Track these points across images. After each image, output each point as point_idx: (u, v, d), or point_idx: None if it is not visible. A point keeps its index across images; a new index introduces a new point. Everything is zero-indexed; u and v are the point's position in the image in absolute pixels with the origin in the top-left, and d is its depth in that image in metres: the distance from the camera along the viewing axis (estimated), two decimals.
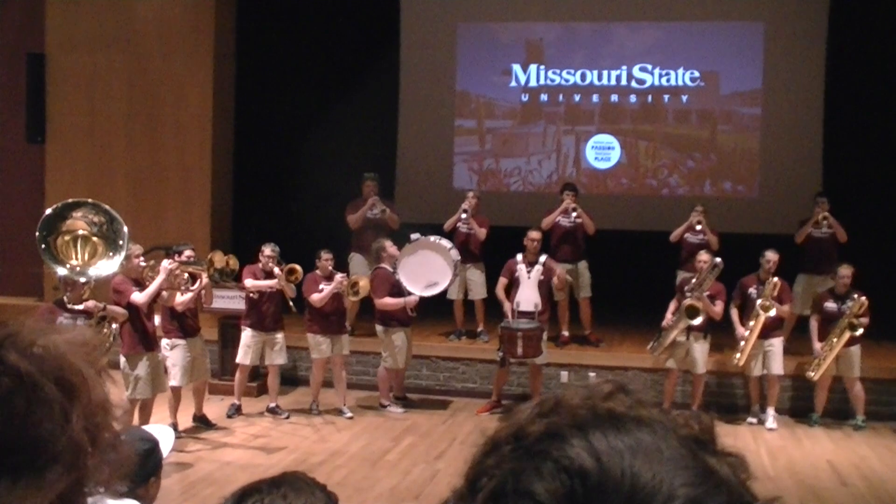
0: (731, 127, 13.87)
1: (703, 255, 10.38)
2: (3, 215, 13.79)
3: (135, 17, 12.81)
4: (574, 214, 11.57)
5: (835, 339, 10.06)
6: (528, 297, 10.65)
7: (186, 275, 9.35)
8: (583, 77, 14.09)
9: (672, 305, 10.50)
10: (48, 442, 0.98)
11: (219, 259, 9.40)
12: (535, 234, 10.84)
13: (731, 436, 9.69)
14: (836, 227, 11.25)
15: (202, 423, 9.91)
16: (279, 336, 10.33)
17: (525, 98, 14.30)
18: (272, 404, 10.46)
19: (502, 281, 10.90)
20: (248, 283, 10.12)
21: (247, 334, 10.20)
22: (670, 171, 14.11)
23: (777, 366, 10.31)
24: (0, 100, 13.71)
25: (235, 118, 13.39)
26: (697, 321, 10.09)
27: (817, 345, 10.20)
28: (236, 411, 10.32)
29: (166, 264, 8.98)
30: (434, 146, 14.36)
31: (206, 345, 10.05)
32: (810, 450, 9.71)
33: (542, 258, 10.78)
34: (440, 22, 14.32)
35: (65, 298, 8.16)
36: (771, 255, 10.34)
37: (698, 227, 11.33)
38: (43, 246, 7.41)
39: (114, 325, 8.38)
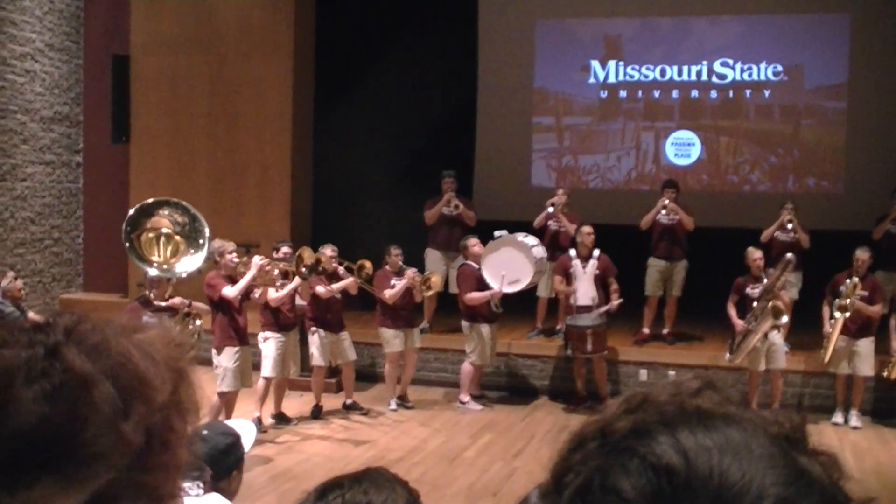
0: (816, 121, 13.60)
1: (756, 253, 10.22)
2: (89, 214, 14.13)
3: (216, 18, 13.01)
4: (664, 212, 11.47)
5: None
6: (585, 291, 10.68)
7: (277, 271, 9.48)
8: (662, 73, 13.94)
9: (732, 310, 10.26)
10: (92, 441, 0.98)
11: (308, 255, 9.48)
12: (587, 229, 10.86)
13: (815, 435, 9.46)
14: None
15: (280, 419, 10.01)
16: (345, 335, 10.40)
17: (604, 94, 14.19)
18: (349, 401, 10.54)
19: (557, 279, 10.90)
20: (320, 289, 10.06)
21: (316, 338, 10.25)
22: (752, 167, 13.89)
23: (865, 367, 10.07)
24: (86, 100, 14.04)
25: (315, 116, 13.52)
26: (784, 320, 9.92)
27: None
28: (320, 412, 10.38)
29: (257, 260, 9.13)
30: (512, 143, 14.32)
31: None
32: None
33: (596, 252, 10.74)
34: (518, 19, 14.27)
35: (151, 296, 8.31)
36: (860, 254, 10.10)
37: (789, 226, 11.09)
38: (127, 244, 7.57)
39: (198, 322, 8.52)
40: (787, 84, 13.56)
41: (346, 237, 10.53)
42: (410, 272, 10.44)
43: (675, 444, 0.81)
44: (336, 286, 10.05)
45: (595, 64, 14.14)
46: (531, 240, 10.91)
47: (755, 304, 10.04)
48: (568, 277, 10.82)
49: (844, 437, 9.80)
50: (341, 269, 10.20)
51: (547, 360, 11.40)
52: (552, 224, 11.73)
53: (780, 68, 13.54)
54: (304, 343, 10.98)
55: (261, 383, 9.65)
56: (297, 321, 10.02)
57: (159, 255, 7.67)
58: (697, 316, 12.03)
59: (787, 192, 13.09)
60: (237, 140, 13.07)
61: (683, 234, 11.60)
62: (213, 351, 9.05)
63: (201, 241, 7.76)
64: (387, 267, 10.51)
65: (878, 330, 10.47)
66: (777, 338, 10.13)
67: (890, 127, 13.07)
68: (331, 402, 10.63)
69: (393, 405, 10.61)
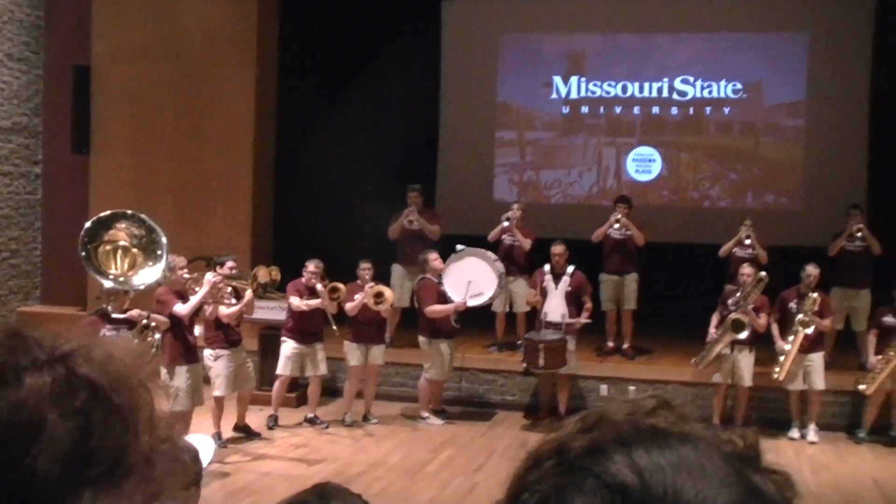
0: (775, 138, 13.75)
1: (747, 269, 10.32)
2: (48, 225, 13.98)
3: (179, 28, 12.93)
4: (617, 226, 11.55)
5: (892, 353, 9.91)
6: (555, 307, 10.65)
7: (230, 288, 9.40)
8: (624, 89, 14.04)
9: (714, 319, 10.43)
10: (123, 454, 1.00)
11: (262, 274, 9.46)
12: (557, 249, 10.85)
13: (773, 451, 9.51)
14: (870, 240, 11.09)
15: (244, 432, 9.95)
16: (319, 347, 10.37)
17: (566, 110, 14.27)
18: (311, 414, 10.50)
19: (531, 292, 10.95)
20: (294, 301, 10.11)
21: (288, 346, 10.22)
22: (712, 183, 14.02)
23: (819, 381, 10.20)
24: (46, 111, 13.90)
25: (278, 129, 13.47)
26: (743, 335, 10.04)
27: (873, 358, 10.07)
28: (275, 422, 10.35)
29: (210, 277, 9.03)
30: (475, 158, 14.37)
31: (247, 355, 10.07)
32: (854, 466, 9.58)
33: (570, 269, 10.76)
34: (482, 33, 14.33)
35: (109, 308, 8.22)
36: (811, 270, 10.22)
37: (747, 242, 11.22)
38: (83, 253, 7.53)
39: (156, 335, 8.44)
40: (746, 101, 13.71)
41: (309, 250, 10.48)
42: (367, 287, 10.43)
43: (629, 463, 0.82)
44: (304, 304, 10.07)
45: (558, 79, 14.22)
46: (491, 254, 10.96)
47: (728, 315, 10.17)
48: (541, 292, 10.82)
49: (801, 452, 9.88)
50: (320, 287, 10.18)
51: (508, 374, 11.41)
52: (507, 238, 11.76)
53: (739, 86, 13.69)
54: (264, 357, 10.94)
55: (213, 403, 9.56)
56: (242, 336, 9.92)
57: (117, 268, 7.62)
58: (659, 331, 12.12)
59: (746, 208, 13.23)
60: (200, 152, 12.98)
61: (634, 249, 11.68)
62: (164, 370, 8.80)
63: (159, 253, 7.73)
64: (358, 281, 10.50)
65: (839, 345, 10.61)
66: (742, 355, 10.19)
67: (847, 144, 13.25)
68: (292, 416, 10.58)
69: (348, 420, 10.56)
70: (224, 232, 12.60)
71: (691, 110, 13.91)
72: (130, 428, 1.02)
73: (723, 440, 0.87)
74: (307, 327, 10.22)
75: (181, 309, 8.82)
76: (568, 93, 14.21)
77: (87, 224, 7.79)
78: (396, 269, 11.97)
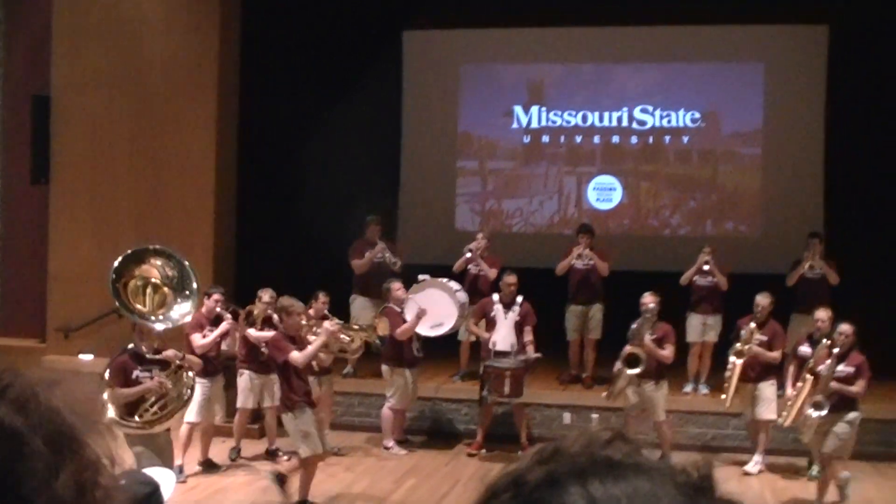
0: (733, 167, 13.91)
1: (647, 297, 10.04)
2: (6, 256, 13.81)
3: (139, 58, 12.88)
4: (581, 258, 11.58)
5: (800, 384, 9.67)
6: (504, 337, 10.64)
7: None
8: (584, 118, 14.16)
9: (623, 352, 10.06)
10: (28, 498, 0.98)
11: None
12: (510, 279, 10.85)
13: (735, 477, 9.62)
14: (827, 271, 11.13)
15: (209, 466, 9.83)
16: (276, 377, 10.27)
17: (527, 139, 14.36)
18: (271, 447, 10.42)
19: (473, 320, 10.95)
20: (252, 332, 10.10)
21: (244, 378, 10.12)
22: (672, 211, 14.14)
23: (763, 410, 9.94)
24: (4, 141, 13.77)
25: (239, 158, 13.42)
26: (637, 369, 9.79)
27: (790, 390, 9.46)
28: (238, 454, 10.26)
29: (328, 326, 8.97)
30: (436, 187, 14.41)
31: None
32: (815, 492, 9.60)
33: (519, 299, 10.76)
34: (442, 63, 14.40)
35: (143, 348, 7.91)
36: (761, 300, 9.99)
37: (706, 268, 11.24)
38: (113, 288, 7.49)
39: (190, 373, 8.19)
40: (704, 130, 13.88)
41: (271, 282, 10.42)
42: (327, 325, 10.33)
43: (585, 495, 0.83)
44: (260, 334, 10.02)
45: (518, 109, 14.31)
46: (454, 284, 10.96)
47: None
48: (488, 321, 10.82)
49: (763, 478, 9.91)
50: (276, 317, 10.09)
51: (471, 404, 11.37)
52: (472, 268, 11.77)
53: (697, 115, 13.86)
54: (229, 388, 10.84)
55: (184, 429, 9.45)
56: (223, 366, 9.89)
57: (144, 305, 7.58)
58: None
59: (706, 235, 13.34)
60: (160, 182, 12.89)
61: (598, 279, 11.71)
62: (287, 415, 8.66)
63: (187, 293, 7.73)
64: (310, 311, 10.41)
65: None
66: (649, 388, 9.98)
67: (804, 172, 13.43)
68: (253, 447, 10.49)
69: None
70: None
71: (650, 139, 14.05)
72: (41, 473, 0.98)
73: (677, 470, 0.88)
74: (261, 357, 10.12)
75: (297, 357, 8.57)
76: (528, 122, 14.30)
77: (119, 259, 7.74)
78: (357, 301, 11.87)
